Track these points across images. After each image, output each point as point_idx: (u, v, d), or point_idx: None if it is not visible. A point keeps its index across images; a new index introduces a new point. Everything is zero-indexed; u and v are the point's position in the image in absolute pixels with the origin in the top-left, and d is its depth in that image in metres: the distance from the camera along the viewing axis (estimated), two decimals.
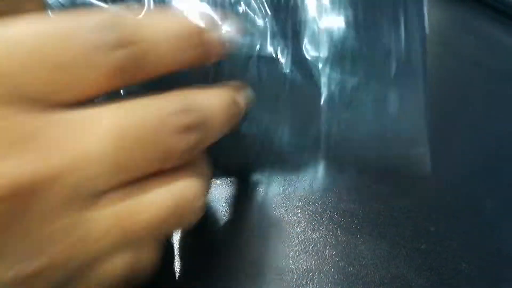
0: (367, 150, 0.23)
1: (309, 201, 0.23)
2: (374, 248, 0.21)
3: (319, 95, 0.22)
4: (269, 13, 0.21)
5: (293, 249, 0.21)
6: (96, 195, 0.14)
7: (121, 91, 0.17)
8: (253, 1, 0.21)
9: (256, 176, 0.23)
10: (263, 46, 0.21)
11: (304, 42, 0.22)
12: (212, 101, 0.16)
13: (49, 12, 0.17)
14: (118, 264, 0.14)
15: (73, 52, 0.13)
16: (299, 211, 0.23)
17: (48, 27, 0.13)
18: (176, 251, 0.21)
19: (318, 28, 0.22)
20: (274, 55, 0.21)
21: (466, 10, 0.42)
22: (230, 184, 0.24)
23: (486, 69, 0.34)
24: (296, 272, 0.20)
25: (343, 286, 0.19)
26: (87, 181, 0.13)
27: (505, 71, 0.34)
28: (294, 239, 0.21)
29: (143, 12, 0.15)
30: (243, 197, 0.23)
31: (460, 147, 0.27)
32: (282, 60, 0.21)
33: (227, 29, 0.17)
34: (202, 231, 0.21)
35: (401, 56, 0.22)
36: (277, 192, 0.23)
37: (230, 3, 0.21)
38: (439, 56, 0.36)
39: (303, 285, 0.19)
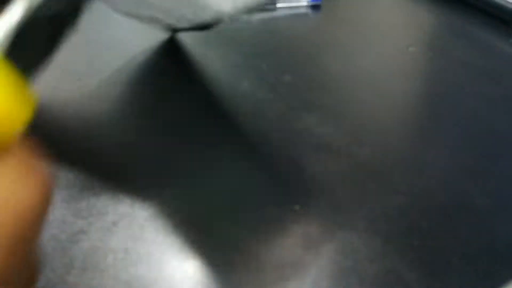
0: None
1: (308, 200, 0.24)
2: (368, 244, 0.21)
3: None
4: None
5: (291, 244, 0.21)
6: None
7: None
8: None
9: None
10: None
11: None
12: None
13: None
14: None
15: None
16: (297, 208, 0.23)
17: None
18: (178, 250, 0.21)
19: None
20: None
21: (458, 14, 0.43)
22: (230, 182, 0.24)
23: (477, 71, 0.34)
24: (294, 266, 0.20)
25: (339, 279, 0.20)
26: None
27: (496, 72, 0.34)
28: (293, 235, 0.22)
29: None
30: (243, 195, 0.24)
31: (451, 146, 0.27)
32: None
33: None
34: (204, 226, 0.22)
35: None
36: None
37: None
38: (432, 59, 0.37)
39: (300, 278, 0.20)
